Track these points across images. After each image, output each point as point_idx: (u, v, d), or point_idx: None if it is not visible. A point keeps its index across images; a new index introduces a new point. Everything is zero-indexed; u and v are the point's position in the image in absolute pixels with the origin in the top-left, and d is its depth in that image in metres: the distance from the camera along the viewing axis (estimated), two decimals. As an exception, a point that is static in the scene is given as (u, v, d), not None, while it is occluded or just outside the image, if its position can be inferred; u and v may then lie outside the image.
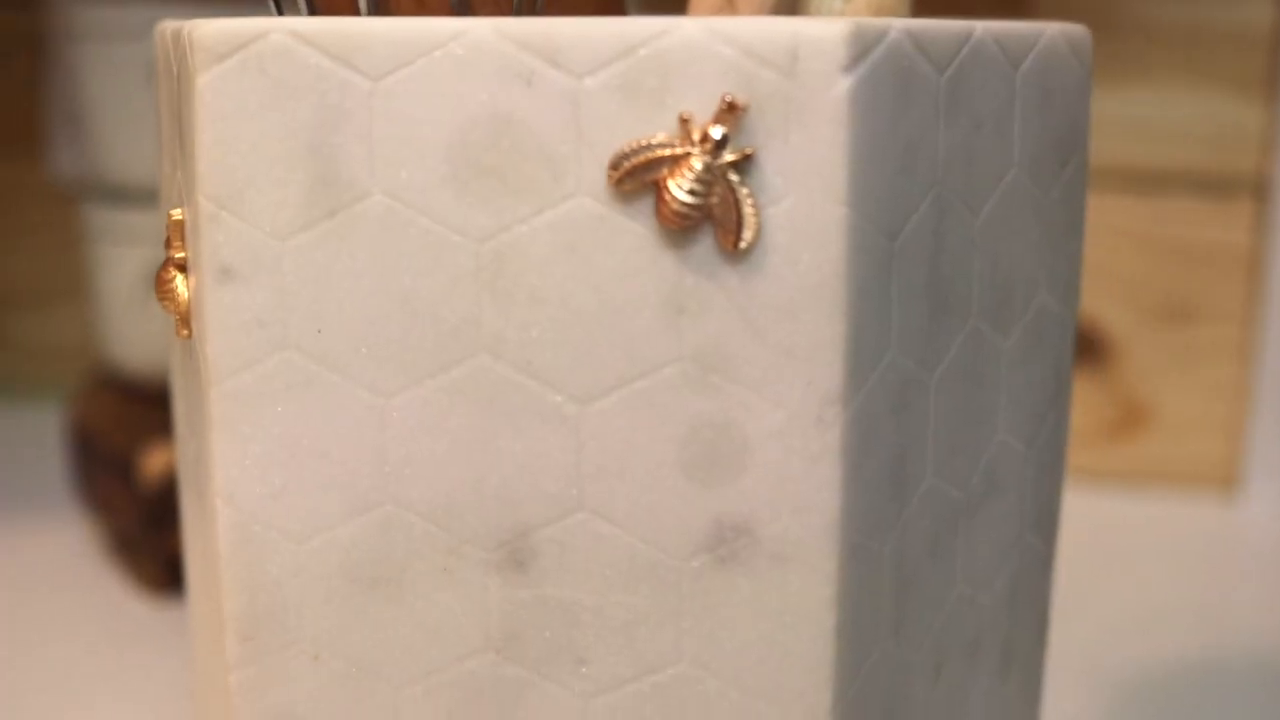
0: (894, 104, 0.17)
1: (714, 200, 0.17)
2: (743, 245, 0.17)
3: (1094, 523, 0.49)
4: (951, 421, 0.19)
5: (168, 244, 0.20)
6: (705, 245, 0.17)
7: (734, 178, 0.17)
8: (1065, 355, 0.22)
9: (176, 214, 0.19)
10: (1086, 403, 0.51)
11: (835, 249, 0.17)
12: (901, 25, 0.17)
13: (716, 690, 0.18)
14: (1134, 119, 0.49)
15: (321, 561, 0.18)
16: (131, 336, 0.40)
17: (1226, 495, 0.50)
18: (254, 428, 0.18)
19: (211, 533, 0.19)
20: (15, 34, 0.54)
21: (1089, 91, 0.22)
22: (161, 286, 0.20)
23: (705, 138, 0.17)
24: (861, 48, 0.17)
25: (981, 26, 0.19)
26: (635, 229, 0.17)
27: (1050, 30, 0.20)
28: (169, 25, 0.20)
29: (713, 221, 0.17)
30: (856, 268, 0.17)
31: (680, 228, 0.17)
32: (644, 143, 0.17)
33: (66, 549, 0.41)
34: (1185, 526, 0.49)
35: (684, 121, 0.17)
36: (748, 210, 0.17)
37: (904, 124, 0.17)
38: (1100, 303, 0.51)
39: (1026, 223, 0.20)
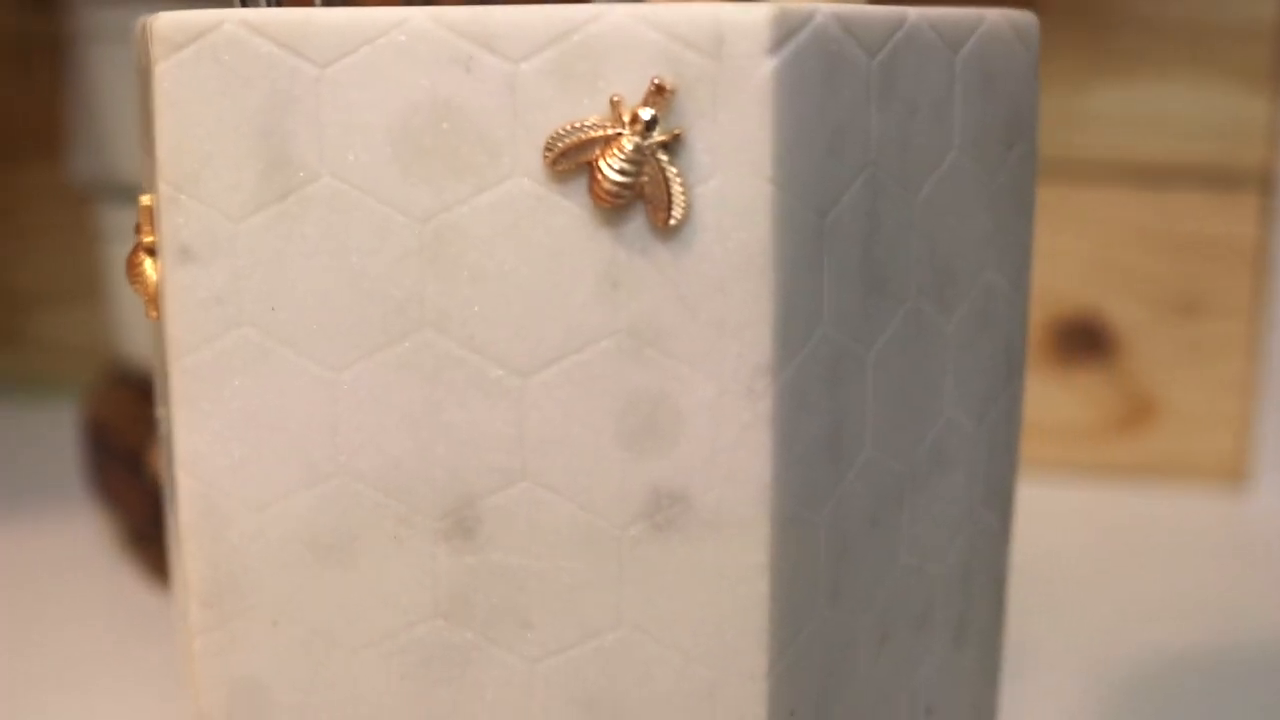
0: (821, 86, 0.18)
1: (644, 179, 0.17)
2: (673, 222, 0.18)
3: (1102, 517, 0.50)
4: (892, 397, 0.20)
5: (138, 229, 0.20)
6: (638, 223, 0.18)
7: (663, 157, 0.17)
8: (1017, 336, 0.23)
9: (146, 200, 0.20)
10: (1094, 397, 0.52)
11: (762, 225, 0.18)
12: (829, 10, 0.18)
13: (656, 654, 0.19)
14: (1139, 113, 0.49)
15: (278, 530, 0.19)
16: (144, 335, 0.41)
17: (1235, 489, 0.51)
18: (213, 402, 0.19)
19: (176, 503, 0.20)
20: (36, 37, 0.56)
21: (1035, 76, 0.22)
22: (132, 270, 0.20)
23: (635, 119, 0.17)
24: (785, 31, 0.17)
25: (916, 13, 0.19)
26: (571, 208, 0.18)
27: (992, 16, 0.21)
28: (141, 19, 0.21)
29: (644, 200, 0.18)
30: (784, 243, 0.18)
31: (613, 206, 0.18)
32: (577, 125, 0.18)
33: (81, 542, 0.42)
34: (1193, 520, 0.49)
35: (615, 104, 0.17)
36: (676, 189, 0.17)
37: (832, 105, 0.18)
38: (1107, 297, 0.51)
39: (970, 206, 0.21)
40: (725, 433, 0.18)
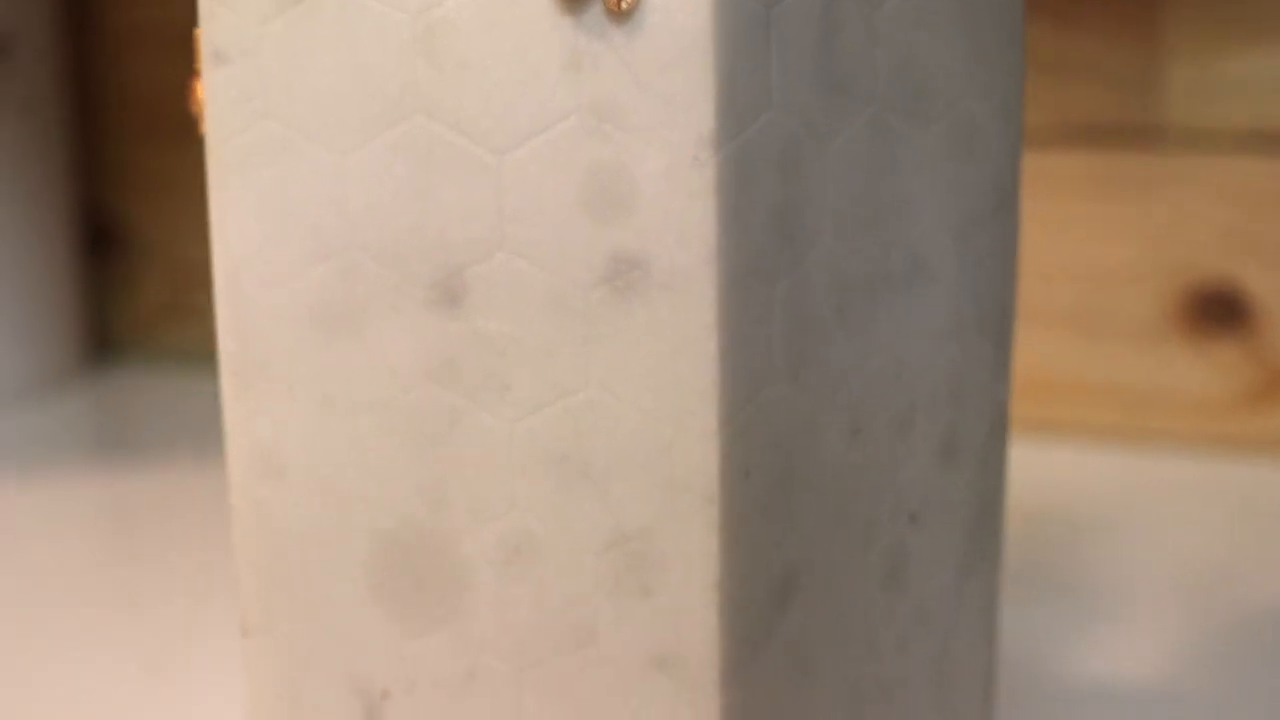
0: (767, -113, 0.20)
1: (601, -33, 0.20)
2: (624, 7, 0.20)
3: (1235, 491, 0.49)
4: (855, 195, 0.22)
5: (194, 60, 0.23)
6: (596, 10, 0.20)
7: (616, -54, 0.19)
8: (1007, 170, 0.24)
9: (197, 32, 0.23)
10: (1228, 368, 0.51)
11: (705, 10, 0.19)
12: None
13: (620, 412, 0.21)
14: (1269, 79, 0.49)
15: (294, 304, 0.22)
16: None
17: (1372, 457, 0.50)
18: (242, 189, 0.22)
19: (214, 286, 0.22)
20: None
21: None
22: (189, 97, 0.23)
23: (591, -87, 0.19)
24: None
25: None
26: (540, 1, 0.20)
27: None
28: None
29: (600, -13, 0.20)
30: (726, 27, 0.19)
31: (573, -6, 0.20)
32: (542, -80, 0.20)
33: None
34: (1330, 492, 0.48)
35: (574, -100, 0.20)
36: (628, -26, 0.19)
37: (779, -94, 0.20)
38: (1243, 266, 0.51)
39: (945, 28, 0.22)
40: (675, 201, 0.20)
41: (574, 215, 0.20)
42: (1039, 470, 0.52)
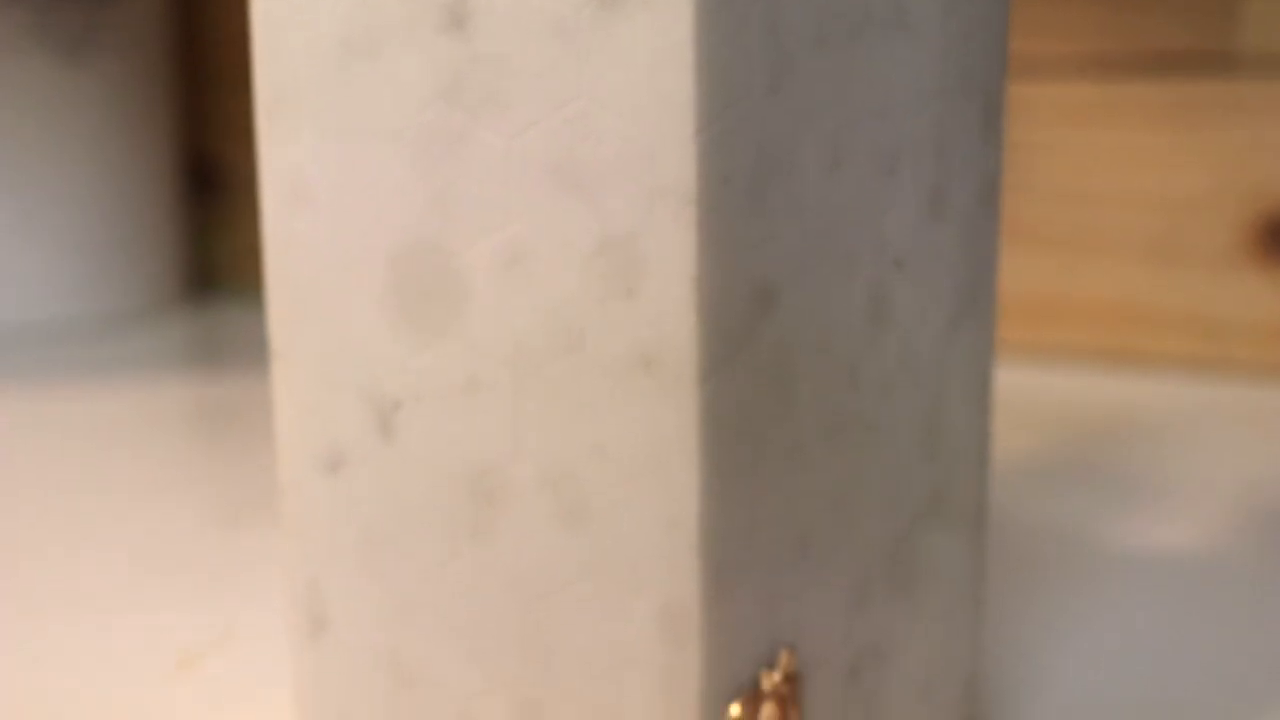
0: None
1: None
2: None
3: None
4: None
5: None
6: None
7: None
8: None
9: None
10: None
11: None
12: None
13: (607, 122, 0.22)
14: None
15: (320, 35, 0.24)
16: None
17: None
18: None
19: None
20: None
21: None
22: None
23: None
24: None
25: None
26: None
27: None
28: None
29: None
30: None
31: None
32: None
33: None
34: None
35: None
36: None
37: None
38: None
39: None
40: (657, -82, 0.22)
41: (567, -62, 0.22)
42: (1111, 394, 0.52)
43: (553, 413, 0.23)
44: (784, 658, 0.24)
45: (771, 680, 0.24)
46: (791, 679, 0.24)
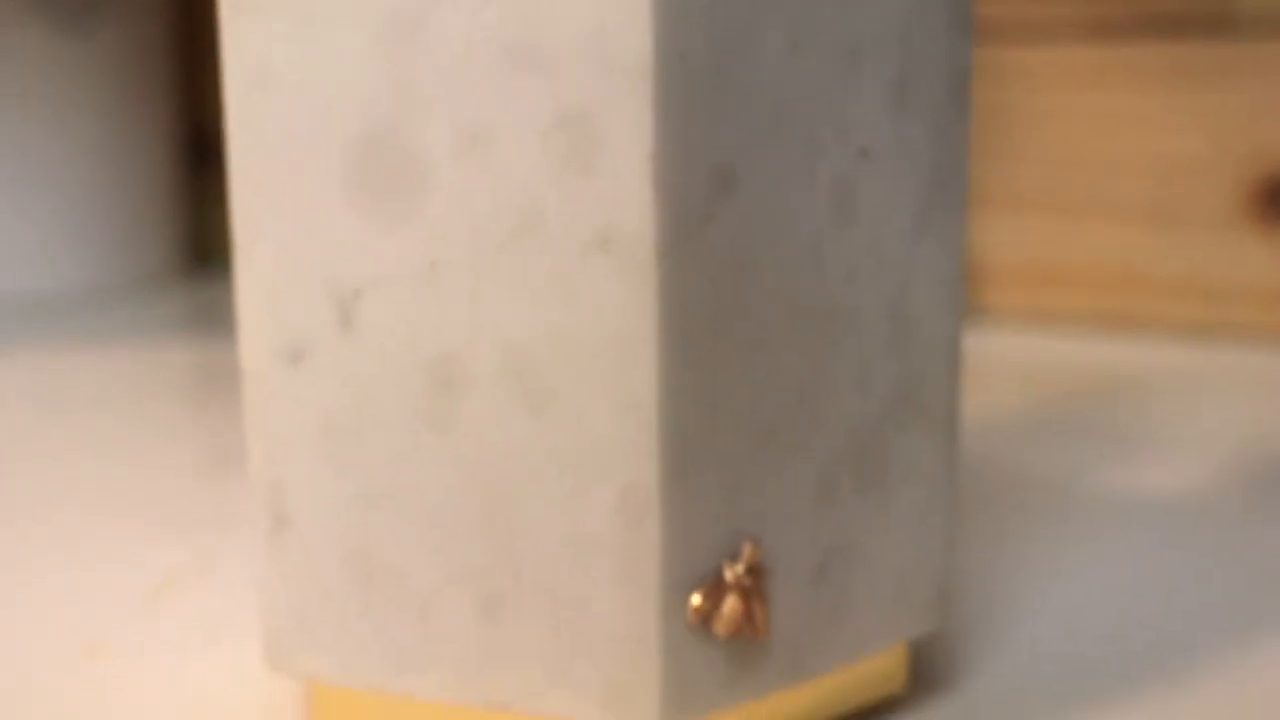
0: None
1: None
2: None
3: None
4: None
5: None
6: None
7: None
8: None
9: None
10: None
11: None
12: None
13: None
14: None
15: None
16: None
17: None
18: None
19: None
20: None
21: None
22: None
23: None
24: None
25: None
26: None
27: None
28: None
29: None
30: None
31: None
32: None
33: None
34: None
35: None
36: None
37: None
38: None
39: None
40: None
41: None
42: (1110, 358, 0.52)
43: (512, 296, 0.23)
44: (747, 550, 0.24)
45: (734, 572, 0.24)
46: (755, 572, 0.24)
